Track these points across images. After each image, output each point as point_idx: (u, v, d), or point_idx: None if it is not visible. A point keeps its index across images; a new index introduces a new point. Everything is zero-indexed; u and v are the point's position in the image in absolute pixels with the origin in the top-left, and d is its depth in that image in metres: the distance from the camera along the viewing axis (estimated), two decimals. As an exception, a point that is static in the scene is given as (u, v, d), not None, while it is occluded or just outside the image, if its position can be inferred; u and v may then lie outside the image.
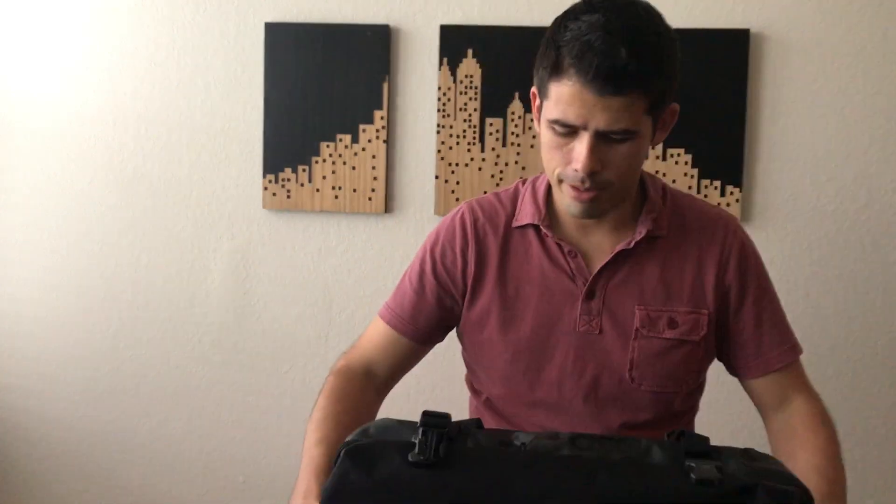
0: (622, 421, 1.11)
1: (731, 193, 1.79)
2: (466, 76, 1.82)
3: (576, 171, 0.99)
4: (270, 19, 1.87)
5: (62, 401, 2.00)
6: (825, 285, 1.82)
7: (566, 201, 1.05)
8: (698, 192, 1.80)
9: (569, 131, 0.99)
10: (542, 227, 1.12)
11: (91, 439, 2.00)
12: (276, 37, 1.86)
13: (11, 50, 1.94)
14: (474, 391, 1.24)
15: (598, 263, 1.10)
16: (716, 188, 1.79)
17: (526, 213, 1.14)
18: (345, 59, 1.85)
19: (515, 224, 1.15)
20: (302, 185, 1.88)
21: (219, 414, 1.97)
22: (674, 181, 1.79)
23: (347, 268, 1.91)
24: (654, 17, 0.99)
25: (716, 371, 1.85)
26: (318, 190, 1.88)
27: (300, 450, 1.07)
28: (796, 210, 1.81)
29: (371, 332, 1.24)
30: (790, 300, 1.84)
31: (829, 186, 1.80)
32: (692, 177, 1.79)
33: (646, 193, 1.13)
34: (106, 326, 1.98)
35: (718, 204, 1.79)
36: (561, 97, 0.97)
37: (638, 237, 1.09)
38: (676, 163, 1.79)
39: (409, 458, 0.79)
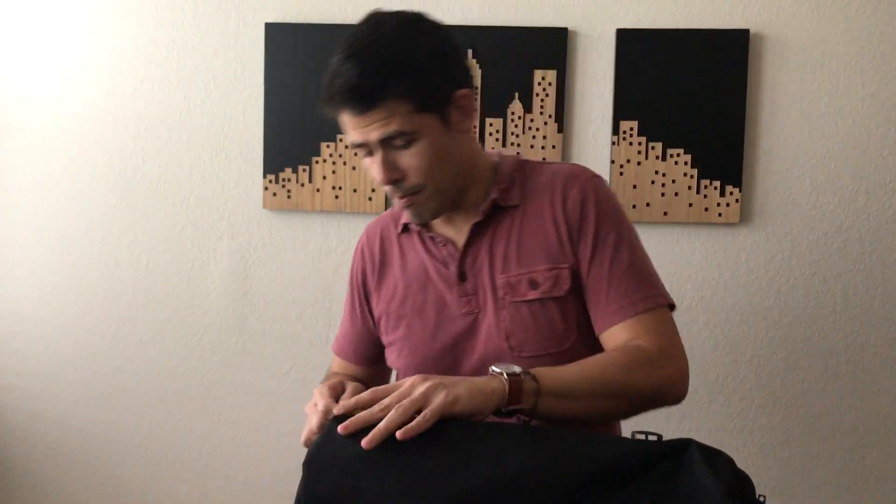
0: None
1: (731, 193, 1.79)
2: (466, 76, 1.82)
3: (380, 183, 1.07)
4: (270, 19, 1.87)
5: (62, 401, 2.00)
6: (825, 285, 1.82)
7: (403, 211, 1.13)
8: (698, 192, 1.80)
9: (366, 151, 1.07)
10: (410, 225, 1.18)
11: (91, 439, 2.00)
12: (276, 37, 1.86)
13: (11, 50, 1.94)
14: None
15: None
16: (715, 188, 1.79)
17: (404, 216, 1.19)
18: (345, 59, 1.85)
19: (398, 230, 1.21)
20: (302, 185, 1.88)
21: (219, 414, 1.97)
22: (673, 181, 1.79)
23: (347, 268, 1.91)
24: (400, 27, 1.04)
25: (709, 373, 1.85)
26: (318, 190, 1.88)
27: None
28: (796, 210, 1.81)
29: (333, 366, 1.33)
30: (789, 300, 1.84)
31: (829, 186, 1.80)
32: (692, 177, 1.79)
33: (497, 172, 1.16)
34: (106, 326, 1.97)
35: (718, 204, 1.79)
36: (342, 124, 1.06)
37: (487, 207, 1.12)
38: (676, 163, 1.79)
39: None
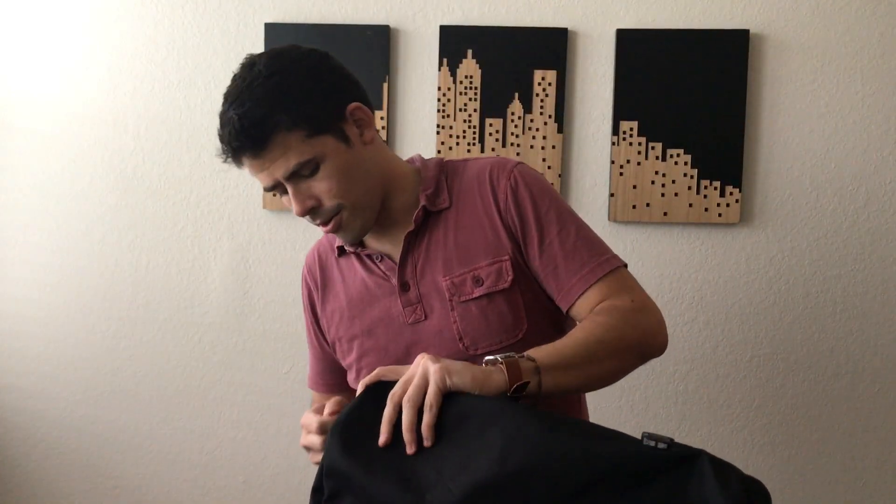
0: None
1: (731, 194, 1.79)
2: (466, 76, 1.82)
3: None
4: (270, 19, 1.87)
5: (62, 401, 2.00)
6: (825, 285, 1.82)
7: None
8: (698, 192, 1.80)
9: (281, 190, 1.07)
10: (346, 248, 1.18)
11: (91, 439, 2.00)
12: (276, 37, 1.86)
13: (11, 50, 1.94)
14: None
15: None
16: (715, 188, 1.79)
17: (338, 239, 1.19)
18: (345, 59, 1.84)
19: (336, 254, 1.21)
20: (302, 185, 1.88)
21: (219, 414, 1.97)
22: (673, 181, 1.79)
23: (347, 268, 1.91)
24: (271, 60, 1.04)
25: (709, 373, 1.85)
26: (318, 190, 1.88)
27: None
28: (796, 210, 1.81)
29: (314, 401, 1.32)
30: (789, 300, 1.84)
31: (829, 186, 1.80)
32: (692, 177, 1.79)
33: (421, 178, 1.16)
34: (106, 326, 1.98)
35: (718, 205, 1.79)
36: (249, 170, 1.06)
37: (417, 215, 1.12)
38: (676, 163, 1.79)
39: None
